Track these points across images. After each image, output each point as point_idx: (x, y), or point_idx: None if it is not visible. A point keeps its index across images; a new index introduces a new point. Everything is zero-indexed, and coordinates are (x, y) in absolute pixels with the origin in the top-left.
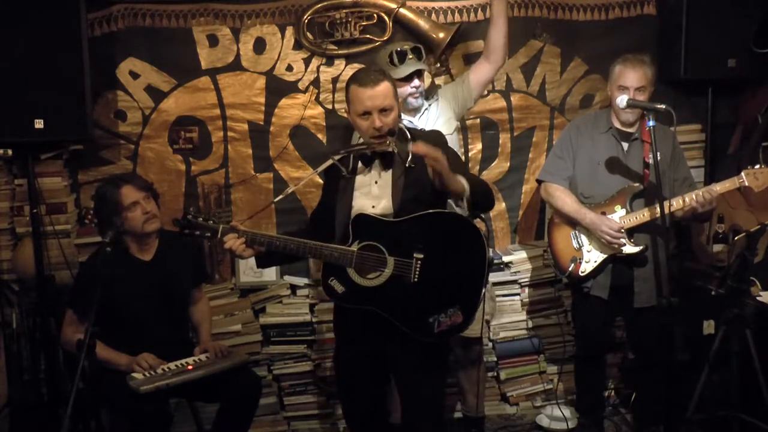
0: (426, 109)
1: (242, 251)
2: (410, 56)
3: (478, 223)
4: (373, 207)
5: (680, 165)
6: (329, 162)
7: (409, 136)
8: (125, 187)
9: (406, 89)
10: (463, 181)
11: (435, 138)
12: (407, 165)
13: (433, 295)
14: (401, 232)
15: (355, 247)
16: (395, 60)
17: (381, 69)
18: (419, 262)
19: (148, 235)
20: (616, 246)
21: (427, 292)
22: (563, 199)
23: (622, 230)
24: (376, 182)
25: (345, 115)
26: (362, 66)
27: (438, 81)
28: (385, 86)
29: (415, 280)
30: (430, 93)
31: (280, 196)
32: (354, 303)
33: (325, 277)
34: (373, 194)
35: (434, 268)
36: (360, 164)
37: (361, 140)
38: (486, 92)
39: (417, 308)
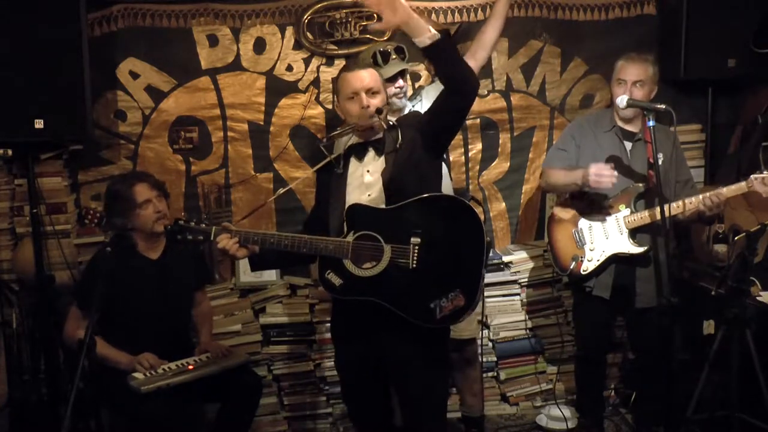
0: (409, 110)
1: (236, 251)
2: (394, 56)
3: (474, 206)
4: (369, 195)
5: (682, 166)
6: (327, 160)
7: (395, 124)
8: (139, 184)
9: (390, 90)
10: (431, 28)
11: (412, 118)
12: (396, 146)
13: (433, 279)
14: (396, 219)
15: (350, 238)
16: (379, 60)
17: (369, 64)
18: (416, 247)
19: (157, 234)
20: (611, 182)
21: (427, 277)
22: (555, 175)
23: (613, 168)
24: (368, 171)
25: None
26: None
27: (420, 81)
28: (372, 72)
29: (414, 266)
30: (413, 93)
31: (281, 191)
32: (352, 294)
33: (321, 271)
34: (366, 183)
35: (432, 252)
36: (353, 158)
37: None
38: (486, 92)
39: (417, 294)
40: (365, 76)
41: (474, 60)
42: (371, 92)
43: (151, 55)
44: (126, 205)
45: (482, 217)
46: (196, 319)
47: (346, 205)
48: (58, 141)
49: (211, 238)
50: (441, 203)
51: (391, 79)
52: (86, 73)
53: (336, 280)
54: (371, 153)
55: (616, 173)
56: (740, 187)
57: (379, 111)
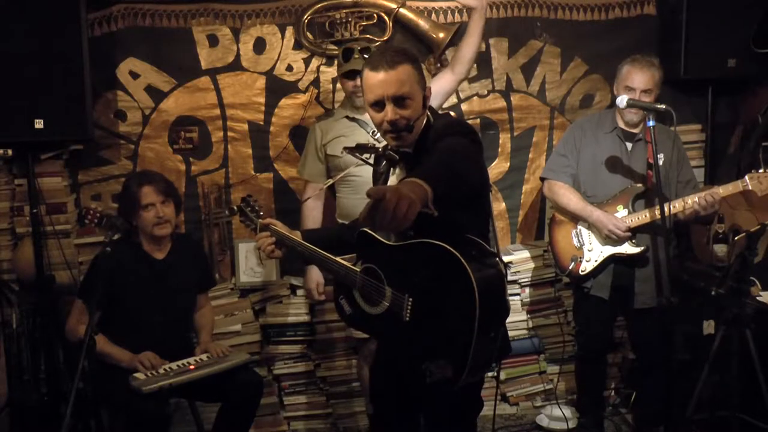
0: None
1: (270, 251)
2: (356, 56)
3: (500, 263)
4: None
5: (684, 167)
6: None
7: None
8: (146, 186)
9: (349, 85)
10: (423, 187)
11: (448, 127)
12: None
13: (424, 340)
14: (398, 260)
15: (358, 268)
16: (340, 58)
17: (406, 49)
18: (410, 300)
19: (158, 238)
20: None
21: (419, 335)
22: (568, 196)
23: (630, 229)
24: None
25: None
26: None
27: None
28: (402, 70)
29: (407, 319)
30: None
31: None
32: (359, 328)
33: (336, 295)
34: None
35: (425, 311)
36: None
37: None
38: (486, 92)
39: (411, 350)
40: (391, 81)
41: (453, 74)
42: (400, 101)
43: (151, 55)
44: (131, 204)
45: (504, 272)
46: (197, 323)
47: None
48: (58, 141)
49: (257, 231)
50: (439, 256)
51: (349, 76)
52: (86, 73)
53: (347, 308)
54: (403, 165)
55: (630, 235)
56: (735, 185)
57: (408, 128)
